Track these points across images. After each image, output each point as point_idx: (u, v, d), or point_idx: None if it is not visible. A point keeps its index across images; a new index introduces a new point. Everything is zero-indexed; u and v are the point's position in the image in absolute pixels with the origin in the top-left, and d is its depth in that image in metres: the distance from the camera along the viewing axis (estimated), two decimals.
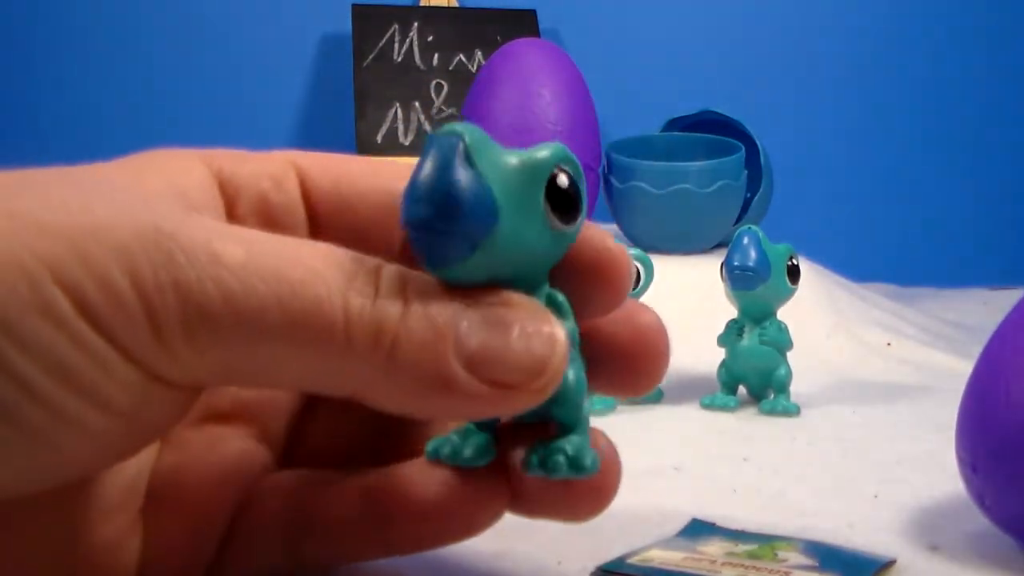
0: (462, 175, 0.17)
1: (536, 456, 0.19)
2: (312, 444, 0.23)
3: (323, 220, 0.22)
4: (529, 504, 0.21)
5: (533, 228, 0.18)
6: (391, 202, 0.21)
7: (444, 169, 0.17)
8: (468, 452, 0.20)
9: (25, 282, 0.15)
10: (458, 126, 0.17)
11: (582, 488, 0.20)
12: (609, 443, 0.21)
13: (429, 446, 0.21)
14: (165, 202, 0.18)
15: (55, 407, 0.16)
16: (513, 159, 0.18)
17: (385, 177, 0.22)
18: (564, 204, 0.18)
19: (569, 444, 0.19)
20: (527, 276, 0.19)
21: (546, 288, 0.19)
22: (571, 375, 0.19)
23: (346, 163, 0.22)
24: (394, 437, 0.23)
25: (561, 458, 0.19)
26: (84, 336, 0.16)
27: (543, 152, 0.18)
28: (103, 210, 0.16)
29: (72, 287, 0.15)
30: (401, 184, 0.18)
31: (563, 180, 0.18)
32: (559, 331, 0.18)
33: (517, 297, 0.18)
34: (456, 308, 0.17)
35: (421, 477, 0.20)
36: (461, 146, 0.17)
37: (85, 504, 0.19)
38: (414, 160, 0.18)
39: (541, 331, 0.17)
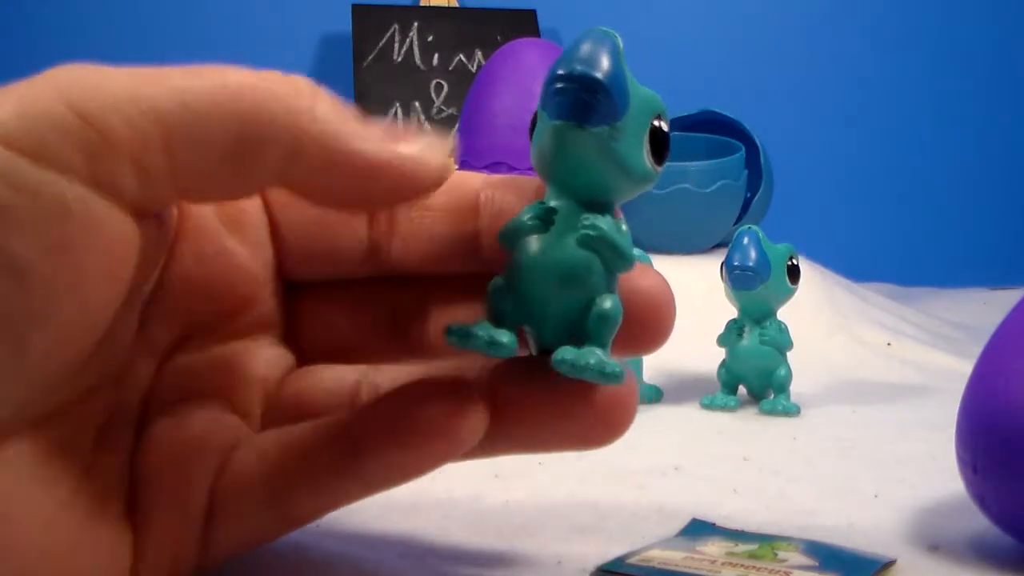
0: (617, 63, 0.19)
1: (565, 354, 0.19)
2: (287, 413, 0.23)
3: (278, 211, 0.23)
4: (530, 422, 0.21)
5: (637, 149, 0.20)
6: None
7: (609, 50, 0.19)
8: (496, 337, 0.20)
9: None
10: (609, 31, 0.20)
11: (597, 406, 0.21)
12: (632, 374, 0.21)
13: (450, 327, 0.20)
14: None
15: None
16: (636, 84, 0.20)
17: None
18: (658, 145, 0.20)
19: (600, 353, 0.20)
20: (611, 192, 0.20)
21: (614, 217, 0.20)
22: (608, 303, 0.20)
23: None
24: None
25: (593, 359, 0.19)
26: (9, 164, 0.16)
27: (653, 93, 0.20)
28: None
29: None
30: None
31: (663, 125, 0.20)
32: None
33: None
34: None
35: (388, 407, 0.21)
36: (620, 44, 0.19)
37: (78, 506, 0.19)
38: None
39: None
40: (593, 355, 0.19)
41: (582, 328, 0.20)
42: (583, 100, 0.19)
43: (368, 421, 0.21)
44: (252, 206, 0.23)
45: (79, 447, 0.19)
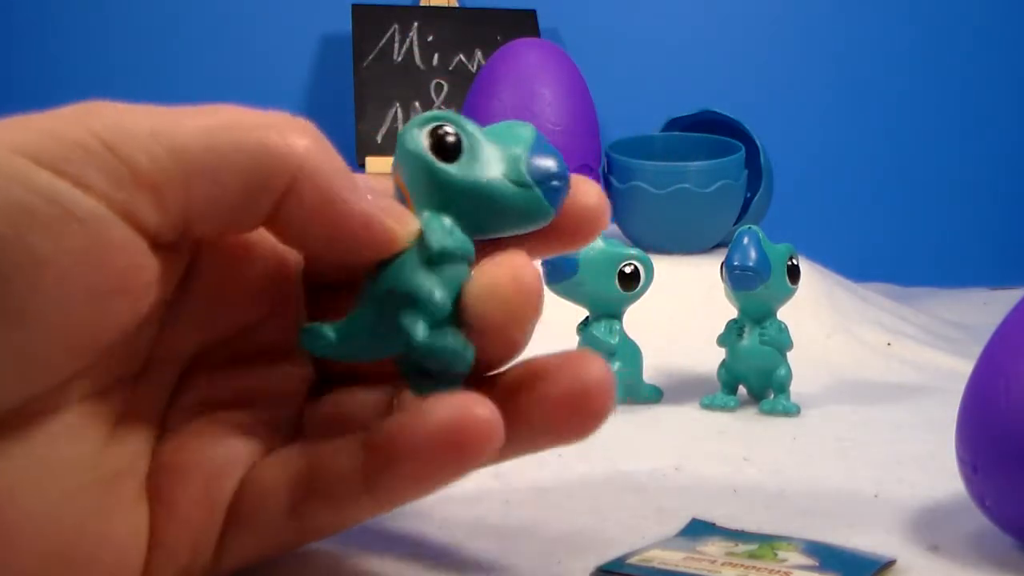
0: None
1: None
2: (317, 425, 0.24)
3: None
4: (526, 427, 0.22)
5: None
6: None
7: None
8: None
9: None
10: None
11: (582, 398, 0.21)
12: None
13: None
14: None
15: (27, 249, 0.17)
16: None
17: None
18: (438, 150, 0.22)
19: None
20: (423, 198, 0.22)
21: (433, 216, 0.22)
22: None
23: None
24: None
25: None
26: (42, 181, 0.17)
27: (417, 120, 0.23)
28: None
29: (27, 145, 0.17)
30: None
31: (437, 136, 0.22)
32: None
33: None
34: None
35: (414, 419, 0.20)
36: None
37: (90, 490, 0.20)
38: None
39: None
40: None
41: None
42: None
43: (382, 436, 0.21)
44: None
45: (95, 435, 0.20)
